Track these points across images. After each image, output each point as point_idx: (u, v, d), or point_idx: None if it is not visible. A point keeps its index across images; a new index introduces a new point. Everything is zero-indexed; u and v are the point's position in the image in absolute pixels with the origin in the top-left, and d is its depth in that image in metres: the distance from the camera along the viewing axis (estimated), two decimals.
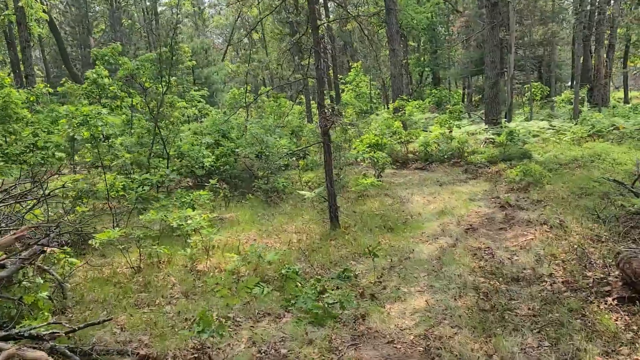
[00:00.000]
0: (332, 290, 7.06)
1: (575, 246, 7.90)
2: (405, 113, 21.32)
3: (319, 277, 7.63)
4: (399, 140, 18.89)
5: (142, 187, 10.17)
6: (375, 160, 13.95)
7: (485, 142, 19.07)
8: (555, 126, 20.09)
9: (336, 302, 6.42)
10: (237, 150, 13.79)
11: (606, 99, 28.15)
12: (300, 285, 7.17)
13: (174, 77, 25.70)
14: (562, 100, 25.80)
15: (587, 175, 12.73)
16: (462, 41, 33.49)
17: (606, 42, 28.77)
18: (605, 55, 27.95)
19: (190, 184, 15.17)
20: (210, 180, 13.04)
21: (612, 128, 17.87)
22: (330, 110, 10.04)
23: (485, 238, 9.12)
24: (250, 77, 47.47)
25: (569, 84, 40.79)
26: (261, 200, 12.83)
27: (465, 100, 39.94)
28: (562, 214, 9.91)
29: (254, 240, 9.71)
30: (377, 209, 11.66)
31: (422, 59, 43.94)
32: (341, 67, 48.20)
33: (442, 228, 9.88)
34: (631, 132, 16.85)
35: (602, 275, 6.61)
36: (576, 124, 19.45)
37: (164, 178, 10.85)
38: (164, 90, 13.55)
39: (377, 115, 31.01)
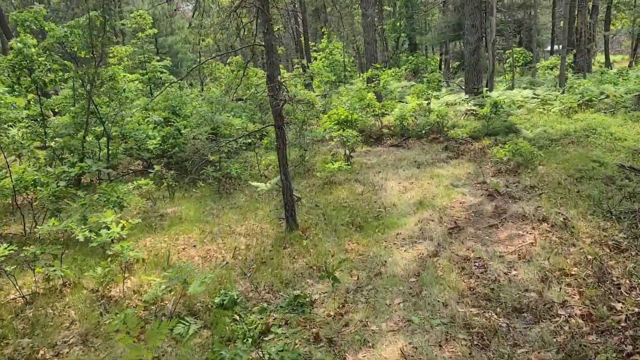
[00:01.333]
0: (279, 327, 5.23)
1: (589, 257, 6.13)
2: (379, 83, 19.29)
3: (265, 304, 5.79)
4: (372, 113, 16.93)
5: (57, 183, 8.11)
6: (345, 140, 12.02)
7: (467, 114, 17.23)
8: (539, 95, 18.29)
9: (278, 354, 4.59)
10: (182, 131, 11.70)
11: (589, 64, 26.44)
12: (239, 318, 5.33)
13: (123, 46, 23.17)
14: (545, 66, 24.02)
15: (584, 153, 10.98)
16: (440, 4, 31.30)
17: (590, 4, 26.89)
18: (588, 18, 26.11)
19: (141, 167, 13.13)
20: (154, 166, 11.03)
21: (603, 96, 16.15)
22: (280, 85, 8.02)
23: (473, 241, 7.32)
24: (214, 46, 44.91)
25: (549, 48, 39.00)
26: (212, 190, 10.85)
27: (443, 67, 37.97)
28: (563, 206, 8.16)
29: (194, 246, 7.79)
30: (345, 199, 9.80)
31: (398, 24, 41.59)
32: (315, 34, 45.69)
33: (421, 227, 8.05)
34: (625, 100, 15.13)
35: (637, 309, 4.85)
36: (563, 92, 17.69)
37: (87, 169, 8.77)
38: (98, 61, 11.32)
39: (352, 84, 28.90)
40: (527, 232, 7.44)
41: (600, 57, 35.43)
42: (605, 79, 19.33)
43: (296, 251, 7.24)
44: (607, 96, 16.20)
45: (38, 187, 8.18)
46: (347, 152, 12.34)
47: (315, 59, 36.35)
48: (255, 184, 9.19)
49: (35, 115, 13.53)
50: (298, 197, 9.73)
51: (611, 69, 29.68)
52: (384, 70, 20.28)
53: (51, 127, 12.81)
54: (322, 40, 36.46)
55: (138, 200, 8.88)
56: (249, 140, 15.33)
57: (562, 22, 37.40)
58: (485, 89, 19.10)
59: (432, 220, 8.24)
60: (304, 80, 32.60)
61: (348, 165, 10.96)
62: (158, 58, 28.49)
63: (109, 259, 6.48)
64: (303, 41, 31.94)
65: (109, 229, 6.58)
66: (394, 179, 11.14)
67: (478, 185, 10.19)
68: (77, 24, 11.69)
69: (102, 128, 12.00)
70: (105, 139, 12.21)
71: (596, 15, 27.34)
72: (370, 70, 19.70)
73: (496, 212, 8.47)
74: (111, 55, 20.86)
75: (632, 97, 15.13)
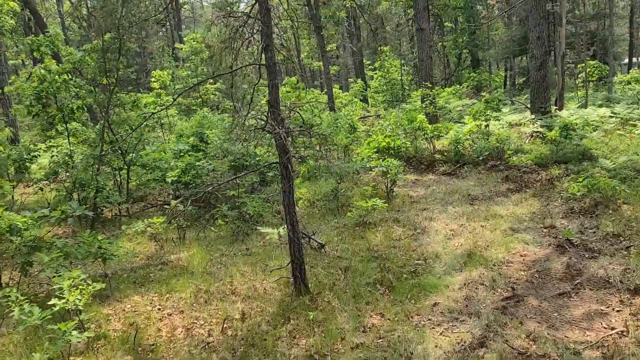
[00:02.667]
0: None
1: None
2: (431, 102, 17.28)
3: None
4: (424, 137, 14.98)
5: (30, 230, 6.81)
6: (385, 171, 10.19)
7: (532, 136, 14.91)
8: (619, 113, 15.67)
9: None
10: (198, 163, 10.29)
11: None
12: None
13: (174, 69, 22.39)
14: (624, 81, 21.07)
15: None
16: (502, 16, 28.81)
17: None
18: None
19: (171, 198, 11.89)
20: (172, 201, 9.68)
21: None
22: (289, 110, 6.39)
23: (536, 320, 5.30)
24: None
25: (626, 61, 35.29)
26: (230, 231, 9.32)
27: (508, 83, 35.17)
28: None
29: (182, 311, 6.22)
30: (377, 246, 7.97)
31: (460, 40, 39.20)
32: (375, 53, 44.05)
33: (466, 293, 6.09)
34: None
35: None
36: None
37: (69, 213, 7.44)
38: (113, 86, 10.19)
39: (409, 103, 26.93)
40: (613, 309, 5.34)
41: None
42: None
43: (299, 327, 5.49)
44: None
45: (10, 236, 6.91)
46: (388, 185, 10.48)
47: (372, 77, 34.73)
48: (264, 230, 7.53)
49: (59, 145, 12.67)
50: (321, 243, 8.00)
51: None
52: (435, 89, 18.25)
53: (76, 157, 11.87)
54: (378, 59, 34.73)
55: (129, 249, 7.48)
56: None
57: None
58: (554, 107, 16.67)
59: (483, 284, 6.24)
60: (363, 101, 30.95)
61: (385, 203, 9.12)
62: (212, 81, 27.88)
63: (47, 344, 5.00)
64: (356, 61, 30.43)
65: (61, 297, 5.13)
66: (440, 218, 9.18)
67: (545, 230, 8.05)
68: (93, 48, 10.65)
69: (122, 157, 10.85)
70: (125, 170, 11.05)
71: None
72: (420, 89, 17.77)
73: (568, 272, 6.37)
74: (153, 79, 20.08)
75: None
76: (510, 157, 12.49)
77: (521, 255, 7.15)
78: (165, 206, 10.02)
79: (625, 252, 6.69)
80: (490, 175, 12.13)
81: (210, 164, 10.35)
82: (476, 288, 6.16)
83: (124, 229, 9.02)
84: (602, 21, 28.59)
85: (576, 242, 7.27)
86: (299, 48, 46.03)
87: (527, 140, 14.71)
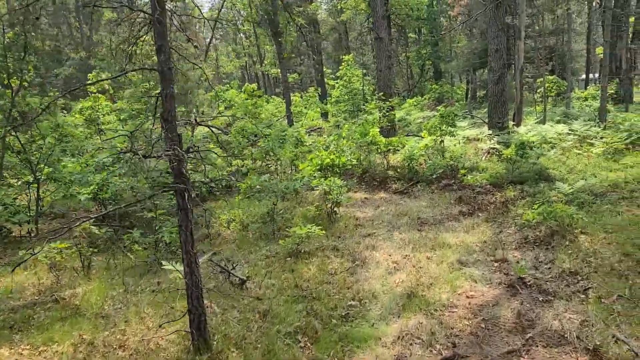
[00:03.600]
0: None
1: None
2: (385, 115, 16.38)
3: None
4: (377, 151, 14.03)
5: None
6: (327, 191, 9.14)
7: (489, 153, 14.15)
8: (576, 131, 15.07)
9: None
10: (115, 178, 9.03)
11: (631, 95, 22.93)
12: None
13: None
14: (582, 97, 20.69)
15: None
16: (461, 26, 28.33)
17: (631, 28, 23.52)
18: (629, 45, 22.73)
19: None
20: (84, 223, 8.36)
21: None
22: (193, 125, 5.25)
23: None
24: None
25: (583, 77, 35.41)
26: (146, 259, 8.09)
27: (469, 96, 34.83)
28: (625, 320, 5.07)
29: None
30: (309, 281, 6.90)
31: (423, 51, 38.75)
32: (338, 63, 43.26)
33: (399, 351, 5.05)
34: None
35: None
36: (604, 128, 14.42)
37: None
38: (16, 90, 8.85)
39: (371, 114, 26.08)
40: None
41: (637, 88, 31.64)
42: None
43: None
44: None
45: None
46: (330, 207, 9.42)
47: (334, 87, 33.86)
48: (168, 266, 6.29)
49: None
50: (242, 279, 6.87)
51: None
52: (393, 100, 17.38)
53: None
54: (340, 68, 33.96)
55: (17, 282, 6.20)
56: (225, 183, 12.64)
57: (598, 50, 33.85)
58: (511, 122, 16.00)
59: (419, 339, 5.21)
60: (321, 110, 30.00)
61: (322, 230, 8.04)
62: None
63: None
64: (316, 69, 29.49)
65: None
66: (384, 247, 8.16)
67: (495, 264, 7.12)
68: None
69: (31, 170, 9.49)
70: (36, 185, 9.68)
71: (638, 40, 23.89)
72: (373, 102, 16.88)
73: (519, 322, 5.41)
74: (89, 82, 18.64)
75: None
76: (464, 175, 11.62)
77: (467, 297, 6.17)
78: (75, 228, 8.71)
79: (583, 296, 5.78)
80: (443, 196, 11.23)
81: (124, 181, 9.08)
82: (411, 344, 5.12)
83: (22, 255, 7.69)
84: (560, 37, 28.41)
85: (529, 281, 6.34)
86: (261, 54, 44.99)
87: (484, 157, 13.93)
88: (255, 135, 14.97)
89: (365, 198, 11.99)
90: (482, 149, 14.48)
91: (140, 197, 8.02)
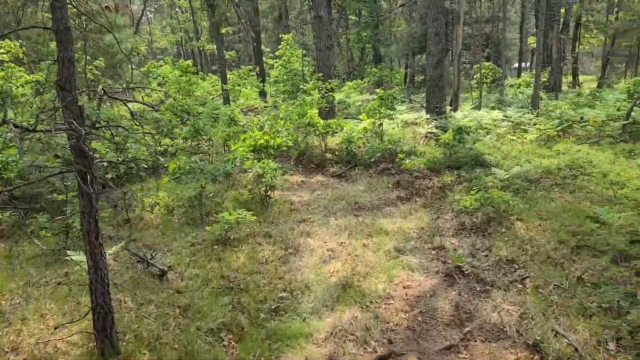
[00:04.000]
0: None
1: None
2: (324, 96, 15.93)
3: None
4: (315, 133, 13.56)
5: None
6: (261, 173, 8.57)
7: (427, 137, 14.01)
8: (511, 117, 15.24)
9: None
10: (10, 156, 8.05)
11: (560, 83, 23.69)
12: None
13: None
14: (517, 84, 21.08)
15: (576, 205, 7.79)
16: (401, 8, 28.21)
17: (561, 19, 24.20)
18: (559, 35, 23.36)
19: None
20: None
21: (584, 122, 13.15)
22: (99, 97, 4.53)
23: None
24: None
25: (515, 66, 36.42)
26: (54, 247, 7.25)
27: (407, 80, 35.01)
28: (564, 312, 4.90)
29: None
30: (237, 271, 6.37)
31: (364, 34, 38.50)
32: (278, 42, 42.25)
33: (331, 349, 4.64)
34: (612, 130, 12.10)
35: None
36: (537, 115, 14.64)
37: None
38: None
39: (311, 95, 25.51)
40: None
41: (567, 77, 32.91)
42: (582, 102, 16.39)
43: None
44: (588, 122, 13.19)
45: None
46: (263, 191, 8.88)
47: (273, 66, 33.04)
48: (75, 256, 5.51)
49: None
50: (163, 270, 6.23)
51: (579, 88, 27.06)
52: (333, 82, 16.94)
53: None
54: (280, 47, 33.13)
55: None
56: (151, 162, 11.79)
57: (530, 39, 34.85)
58: (449, 107, 15.97)
59: (353, 335, 4.82)
60: (258, 89, 29.18)
61: (254, 216, 7.50)
62: (89, 58, 24.68)
63: None
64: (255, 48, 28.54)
65: None
66: (319, 233, 7.74)
67: (433, 252, 6.86)
68: None
69: None
70: None
71: (567, 32, 24.64)
72: (312, 82, 16.39)
73: (457, 315, 5.13)
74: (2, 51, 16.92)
75: (619, 126, 12.10)
76: (402, 160, 11.37)
77: (404, 287, 5.85)
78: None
79: (521, 286, 5.59)
80: (381, 180, 10.94)
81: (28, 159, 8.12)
82: (345, 341, 4.72)
83: None
84: (496, 24, 28.92)
85: (466, 270, 6.11)
86: (197, 29, 43.20)
87: (422, 142, 13.78)
88: (189, 113, 14.10)
89: (301, 181, 11.52)
90: (420, 133, 14.34)
91: (39, 177, 7.11)
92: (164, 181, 9.69)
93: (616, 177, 8.79)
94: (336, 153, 13.00)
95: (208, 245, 7.28)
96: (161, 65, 30.07)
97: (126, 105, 5.11)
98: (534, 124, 13.74)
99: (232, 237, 7.44)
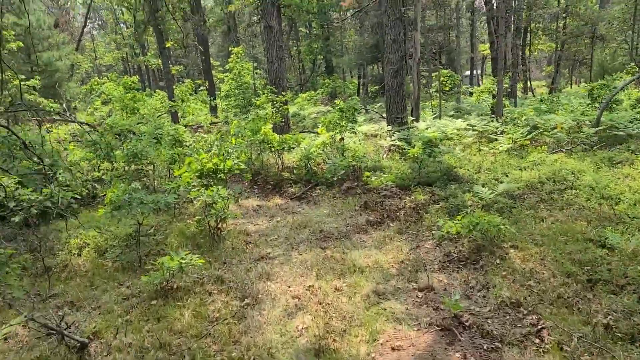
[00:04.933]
0: None
1: None
2: (278, 110, 14.66)
3: None
4: (271, 150, 12.25)
5: None
6: (210, 202, 7.16)
7: (390, 150, 12.94)
8: (475, 126, 14.40)
9: None
10: None
11: (515, 89, 23.28)
12: None
13: None
14: (478, 91, 20.43)
15: (570, 225, 6.78)
16: (352, 17, 27.40)
17: (512, 26, 23.86)
18: (514, 41, 22.98)
19: None
20: None
21: (552, 129, 12.39)
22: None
23: None
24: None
25: (467, 74, 36.28)
26: None
27: (361, 91, 34.21)
28: None
29: None
30: (181, 335, 4.95)
31: (315, 45, 37.55)
32: (228, 55, 40.70)
33: None
34: (586, 136, 11.34)
35: None
36: (502, 123, 13.84)
37: None
38: None
39: (264, 109, 24.09)
40: None
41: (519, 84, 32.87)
42: (545, 107, 15.77)
43: None
44: (554, 127, 12.45)
45: None
46: (213, 223, 7.46)
47: (223, 80, 31.52)
48: None
49: None
50: (82, 342, 4.75)
51: (533, 95, 26.90)
52: (287, 94, 15.69)
53: None
54: (229, 61, 31.64)
55: None
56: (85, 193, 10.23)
57: (481, 46, 34.76)
58: (410, 118, 14.98)
59: None
60: (206, 104, 27.69)
61: (201, 257, 6.09)
62: (23, 77, 22.50)
63: None
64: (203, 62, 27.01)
65: None
66: (281, 275, 6.39)
67: (420, 295, 5.63)
68: None
69: None
70: None
71: (520, 38, 24.35)
72: (264, 95, 15.10)
73: None
74: None
75: (592, 132, 11.35)
76: (369, 177, 10.19)
77: (393, 349, 4.59)
78: None
79: (538, 341, 4.44)
80: (347, 201, 9.71)
81: None
82: None
83: None
84: (447, 33, 28.48)
85: (466, 320, 4.91)
86: (144, 45, 41.20)
87: (385, 155, 12.69)
88: (134, 133, 12.51)
89: (257, 206, 10.15)
90: (383, 146, 13.26)
91: None
92: (100, 213, 8.12)
93: (607, 191, 7.88)
94: (294, 172, 11.70)
95: (146, 298, 5.81)
96: (104, 82, 28.02)
97: (11, 132, 3.68)
98: (501, 133, 12.90)
99: (175, 286, 6.00)
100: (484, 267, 6.06)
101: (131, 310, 5.60)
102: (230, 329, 5.08)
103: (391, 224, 8.15)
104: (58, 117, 23.00)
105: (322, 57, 37.70)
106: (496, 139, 12.46)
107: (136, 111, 21.99)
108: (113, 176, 10.67)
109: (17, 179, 7.68)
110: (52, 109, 24.40)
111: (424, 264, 6.37)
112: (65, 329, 4.80)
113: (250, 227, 8.60)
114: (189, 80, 23.86)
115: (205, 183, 7.90)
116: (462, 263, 6.32)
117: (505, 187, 7.84)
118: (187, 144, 11.02)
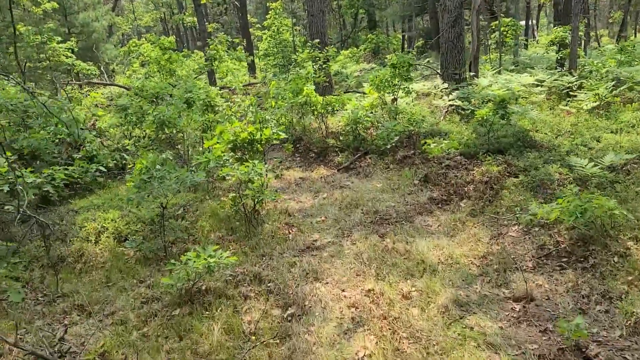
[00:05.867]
0: None
1: None
2: (321, 67, 13.14)
3: None
4: (313, 113, 10.88)
5: None
6: (245, 180, 5.92)
7: (447, 111, 11.33)
8: (543, 81, 12.50)
9: None
10: None
11: (589, 38, 20.75)
12: None
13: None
14: (549, 41, 18.17)
15: None
16: None
17: None
18: None
19: None
20: None
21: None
22: None
23: None
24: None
25: (521, 23, 33.25)
26: None
27: (406, 46, 32.02)
28: None
29: None
30: (208, 359, 3.80)
31: None
32: (266, 12, 38.84)
33: None
34: None
35: None
36: (577, 77, 11.88)
37: None
38: None
39: (304, 68, 22.47)
40: None
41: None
42: (623, 58, 13.57)
43: None
44: None
45: None
46: (250, 208, 6.23)
47: (261, 38, 29.98)
48: None
49: None
50: None
51: (599, 44, 24.16)
52: (330, 50, 14.11)
53: None
54: (267, 17, 29.98)
55: None
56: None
57: None
58: (469, 73, 13.19)
59: None
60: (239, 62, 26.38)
61: (234, 255, 4.88)
62: (59, 39, 21.64)
63: None
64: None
65: None
66: (333, 274, 5.12)
67: (517, 307, 4.25)
68: None
69: None
70: None
71: None
72: (305, 51, 13.58)
73: None
74: None
75: None
76: (425, 142, 8.67)
77: None
78: None
79: None
80: (403, 173, 8.29)
81: None
82: None
83: None
84: None
85: (593, 351, 3.53)
86: (181, 3, 39.86)
87: (443, 117, 11.08)
88: (170, 96, 11.38)
89: (300, 178, 8.88)
90: (440, 107, 11.64)
91: None
92: (128, 186, 7.03)
93: None
94: (340, 138, 10.30)
95: (168, 304, 4.68)
96: (142, 44, 26.98)
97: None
98: (579, 88, 11.02)
99: (203, 288, 4.83)
100: (596, 267, 4.61)
101: (150, 320, 4.49)
102: (270, 353, 3.89)
103: (461, 204, 6.72)
104: (95, 81, 22.18)
105: (363, 10, 35.37)
106: (571, 96, 10.62)
107: (172, 73, 20.91)
108: (139, 146, 9.60)
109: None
110: (89, 72, 23.67)
111: (513, 261, 4.96)
112: (59, 358, 3.70)
113: (293, 205, 7.35)
114: (222, 34, 22.39)
115: (239, 157, 6.64)
116: (563, 260, 4.87)
117: (614, 157, 6.23)
118: (221, 108, 9.75)
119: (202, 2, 22.33)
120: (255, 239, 5.98)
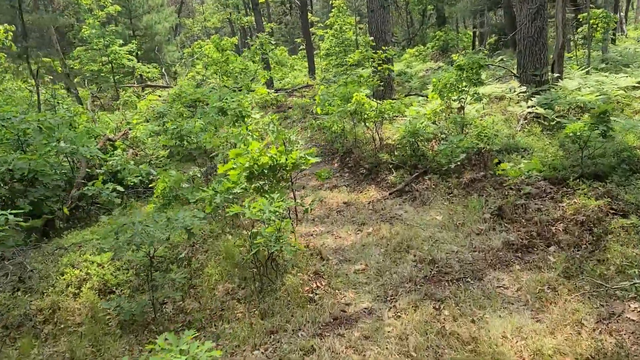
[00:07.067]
0: None
1: None
2: (376, 70, 11.44)
3: None
4: (365, 122, 9.26)
5: None
6: (268, 220, 4.45)
7: (526, 119, 9.32)
8: None
9: None
10: None
11: None
12: None
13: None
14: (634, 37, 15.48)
15: None
16: None
17: None
18: None
19: None
20: None
21: None
22: None
23: None
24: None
25: (613, 13, 29.64)
26: None
27: (477, 43, 29.47)
28: None
29: None
30: None
31: None
32: (329, 10, 37.36)
33: None
34: None
35: None
36: None
37: None
38: None
39: (366, 68, 20.72)
40: None
41: None
42: None
43: None
44: None
45: None
46: (265, 257, 4.75)
47: (323, 38, 28.58)
48: None
49: None
50: None
51: None
52: (389, 50, 12.34)
53: None
54: (330, 15, 28.46)
55: None
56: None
57: None
58: (552, 74, 11.01)
59: None
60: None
61: (215, 353, 3.43)
62: (121, 42, 21.30)
63: None
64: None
65: None
66: None
67: None
68: None
69: None
70: None
71: None
72: (358, 51, 11.93)
73: None
74: None
75: None
76: (503, 169, 6.80)
77: None
78: None
79: None
80: (469, 201, 6.50)
81: None
82: None
83: None
84: None
85: None
86: (246, 2, 39.21)
87: (520, 127, 9.09)
88: (194, 106, 10.21)
89: (344, 203, 7.31)
90: (517, 115, 9.64)
91: None
92: (149, 209, 5.78)
93: None
94: (395, 152, 8.61)
95: None
96: (206, 45, 26.34)
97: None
98: None
99: None
100: None
101: None
102: None
103: (549, 256, 4.88)
104: (150, 84, 21.70)
105: (432, 6, 33.05)
106: None
107: (229, 74, 20.00)
108: (173, 160, 8.45)
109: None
110: (149, 74, 23.26)
111: None
112: None
113: (329, 243, 5.81)
114: (270, 24, 21.10)
115: (259, 186, 5.17)
116: None
117: None
118: (255, 120, 8.36)
119: (260, 1, 21.22)
120: (269, 299, 4.49)
